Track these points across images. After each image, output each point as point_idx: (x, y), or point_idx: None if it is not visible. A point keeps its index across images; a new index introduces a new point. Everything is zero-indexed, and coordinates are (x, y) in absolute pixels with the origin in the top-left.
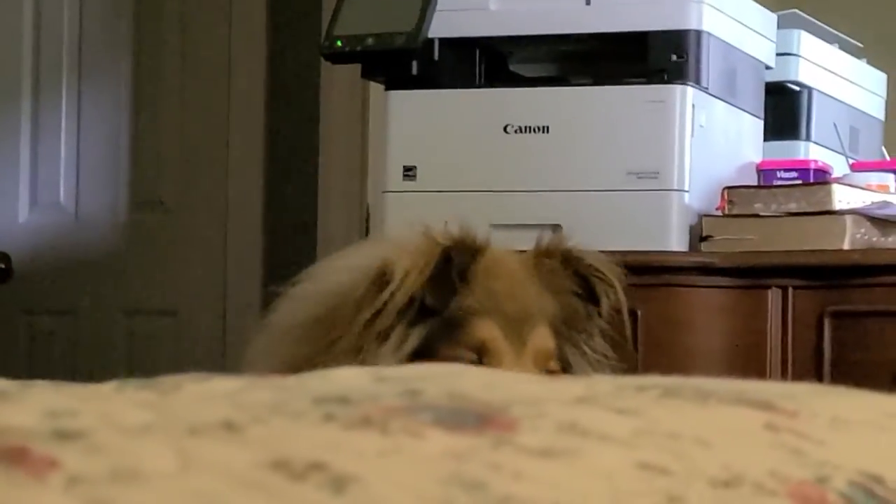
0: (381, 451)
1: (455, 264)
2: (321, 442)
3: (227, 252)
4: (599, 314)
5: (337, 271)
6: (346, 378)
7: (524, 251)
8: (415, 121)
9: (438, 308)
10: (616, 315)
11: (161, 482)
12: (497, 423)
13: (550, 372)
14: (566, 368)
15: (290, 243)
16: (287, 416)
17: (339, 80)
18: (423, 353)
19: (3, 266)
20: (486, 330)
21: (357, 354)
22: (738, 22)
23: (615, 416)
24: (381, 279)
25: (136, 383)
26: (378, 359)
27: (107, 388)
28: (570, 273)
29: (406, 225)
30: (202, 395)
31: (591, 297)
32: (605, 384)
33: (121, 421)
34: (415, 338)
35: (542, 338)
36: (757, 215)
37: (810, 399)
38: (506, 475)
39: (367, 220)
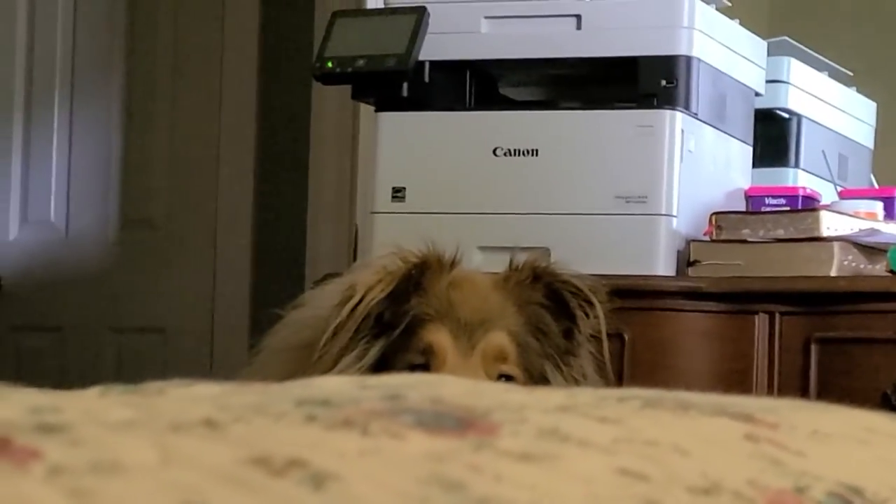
0: (361, 450)
1: (413, 277)
2: (302, 441)
3: (216, 271)
4: (579, 331)
5: (327, 296)
6: (330, 384)
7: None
8: (404, 142)
9: (395, 320)
10: (595, 335)
11: (141, 474)
12: (478, 427)
13: (504, 377)
14: (536, 380)
15: (279, 263)
16: (269, 416)
17: (329, 100)
18: (382, 365)
19: None
20: (434, 333)
21: (328, 371)
22: (729, 48)
23: (596, 424)
24: (347, 297)
25: (120, 388)
26: (340, 372)
27: (91, 392)
28: (540, 287)
29: (393, 246)
30: (185, 397)
31: (567, 313)
32: (587, 395)
33: (103, 417)
34: (375, 350)
35: (494, 342)
36: (745, 241)
37: (791, 413)
38: (486, 477)
39: (356, 241)
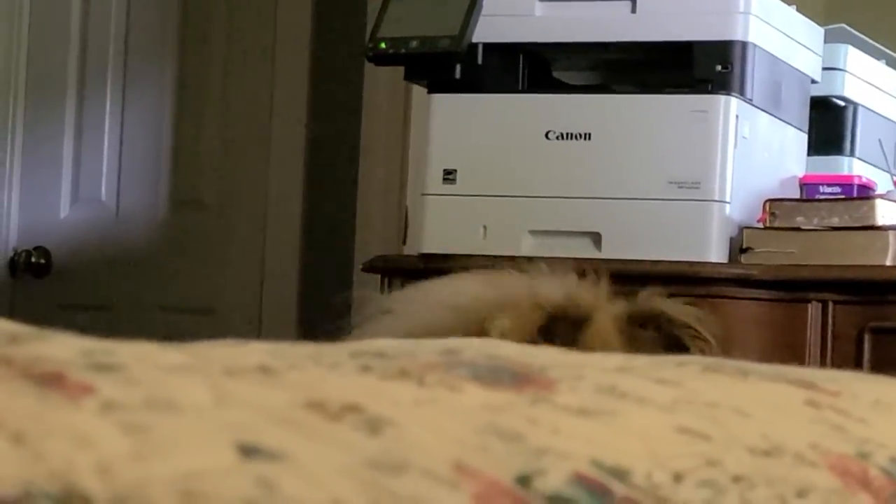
0: (417, 400)
1: (558, 337)
2: (357, 388)
3: (265, 252)
4: None
5: (429, 306)
6: (386, 341)
7: (617, 306)
8: (456, 124)
9: None
10: None
11: (195, 412)
12: (535, 382)
13: None
14: None
15: (328, 244)
16: (323, 365)
17: (382, 81)
18: None
19: (42, 261)
20: None
21: None
22: (785, 34)
23: (654, 385)
24: (475, 333)
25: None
26: None
27: (146, 344)
28: (663, 337)
29: (448, 230)
30: (243, 348)
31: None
32: (645, 359)
33: (157, 360)
34: None
35: None
36: (798, 228)
37: (852, 382)
38: (543, 429)
39: (406, 222)
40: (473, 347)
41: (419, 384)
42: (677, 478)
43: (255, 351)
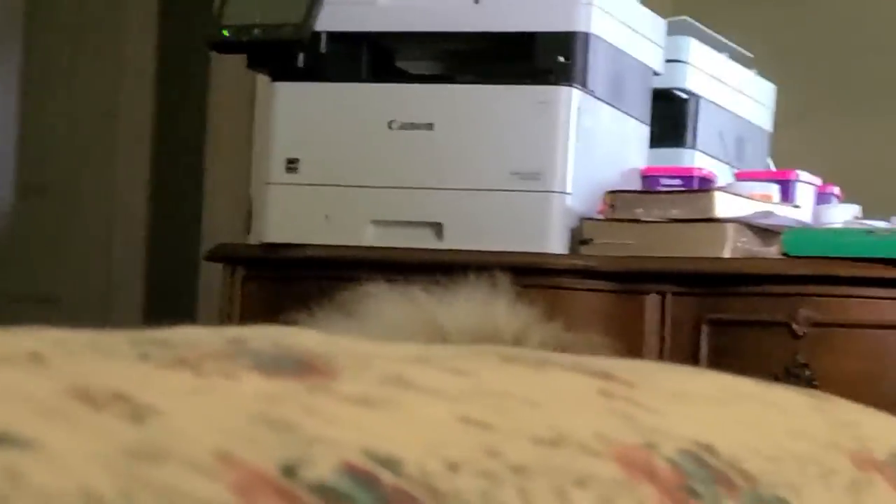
0: (191, 389)
1: None
2: (130, 377)
3: (112, 240)
4: None
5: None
6: (179, 330)
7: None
8: (299, 113)
9: None
10: None
11: None
12: (317, 371)
13: None
14: None
15: (175, 232)
16: (100, 352)
17: (228, 70)
18: None
19: None
20: None
21: None
22: (627, 26)
23: (447, 375)
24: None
25: None
26: None
27: None
28: None
29: (291, 219)
30: (27, 335)
31: None
32: (446, 349)
33: None
34: None
35: None
36: (638, 220)
37: (653, 373)
38: (318, 419)
39: (250, 211)
40: (265, 336)
41: (196, 373)
42: (453, 468)
43: (32, 338)
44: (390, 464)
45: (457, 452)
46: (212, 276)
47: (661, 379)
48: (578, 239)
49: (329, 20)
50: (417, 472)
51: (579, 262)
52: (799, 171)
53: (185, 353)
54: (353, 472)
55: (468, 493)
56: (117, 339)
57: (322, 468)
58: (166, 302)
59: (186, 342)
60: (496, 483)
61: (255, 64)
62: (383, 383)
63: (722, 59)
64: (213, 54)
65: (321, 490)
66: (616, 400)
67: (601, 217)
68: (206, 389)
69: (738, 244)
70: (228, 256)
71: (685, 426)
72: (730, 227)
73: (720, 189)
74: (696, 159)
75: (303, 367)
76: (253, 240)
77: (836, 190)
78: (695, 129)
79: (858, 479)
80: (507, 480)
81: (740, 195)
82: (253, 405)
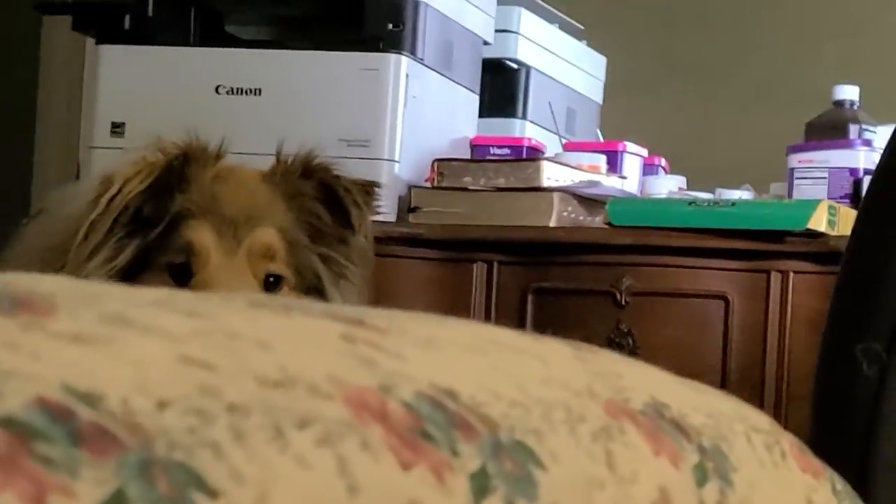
0: None
1: (176, 171)
2: None
3: None
4: (353, 230)
5: (82, 195)
6: None
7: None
8: (125, 77)
9: (156, 217)
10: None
11: None
12: (34, 309)
13: (272, 276)
14: (308, 279)
15: (3, 197)
16: None
17: (59, 32)
18: (140, 266)
19: None
20: (195, 230)
21: (78, 273)
22: None
23: (178, 317)
24: (103, 191)
25: None
26: (89, 273)
27: None
28: (312, 183)
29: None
30: None
31: (340, 209)
32: (190, 295)
33: None
34: (130, 250)
35: (261, 239)
36: (466, 189)
37: (412, 322)
38: (21, 355)
39: (78, 174)
40: None
41: None
42: (161, 405)
43: None
44: (90, 399)
45: (168, 391)
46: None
47: (413, 326)
48: (407, 207)
49: None
50: (120, 408)
51: (407, 230)
52: (626, 143)
53: None
54: (46, 406)
55: (175, 430)
56: None
57: (12, 402)
58: None
59: None
60: (207, 421)
61: (81, 26)
62: (101, 322)
63: (553, 30)
64: (46, 16)
65: (9, 423)
66: (358, 344)
67: (429, 185)
68: None
69: (564, 213)
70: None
71: (428, 371)
72: (556, 197)
73: (547, 159)
74: (526, 129)
75: (19, 305)
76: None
77: (663, 161)
78: (525, 99)
79: (609, 425)
80: (220, 418)
81: (568, 165)
82: None
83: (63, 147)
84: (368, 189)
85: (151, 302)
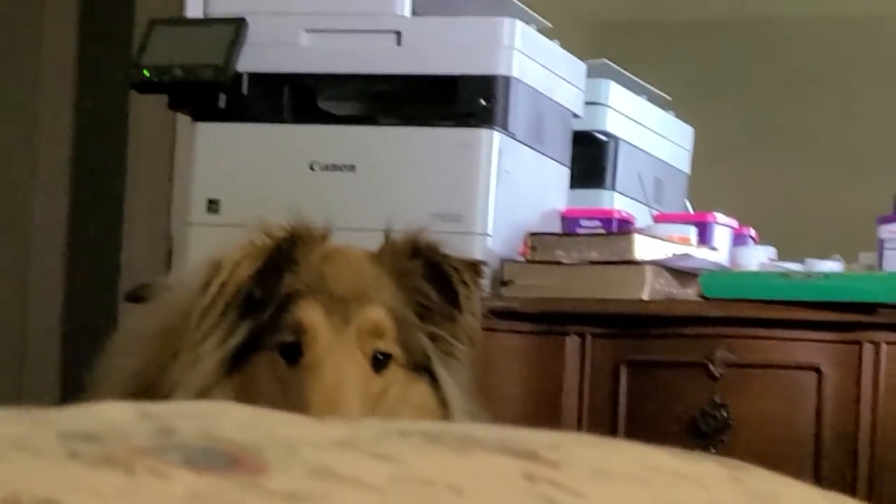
0: (120, 490)
1: (284, 253)
2: (59, 479)
3: (28, 280)
4: (461, 309)
5: (193, 278)
6: (105, 412)
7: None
8: (221, 154)
9: (266, 299)
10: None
11: None
12: (246, 466)
13: (381, 354)
14: (416, 357)
15: (93, 273)
16: (29, 451)
17: (148, 110)
18: (251, 347)
19: None
20: (305, 310)
21: (192, 356)
22: (548, 69)
23: (372, 462)
24: (213, 276)
25: None
26: (202, 355)
27: None
28: (419, 262)
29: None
30: None
31: (448, 288)
32: (368, 429)
33: None
34: (242, 331)
35: (370, 317)
36: (558, 262)
37: (574, 449)
38: None
39: (170, 251)
40: (193, 420)
41: (126, 472)
42: None
43: None
44: None
45: None
46: (131, 316)
47: (583, 456)
48: (499, 280)
49: (251, 61)
50: None
51: (500, 304)
52: (716, 214)
53: (114, 448)
54: None
55: None
56: (45, 432)
57: None
58: (84, 343)
59: (114, 434)
60: None
61: (177, 104)
62: (311, 477)
63: (641, 102)
64: (133, 94)
65: None
66: (540, 483)
67: (522, 259)
68: (136, 490)
69: (657, 286)
70: (148, 297)
71: None
72: (648, 270)
73: (639, 231)
74: (615, 201)
75: (232, 462)
76: (171, 280)
77: (752, 232)
78: (614, 170)
79: None
80: None
81: (659, 237)
82: None
83: (152, 222)
84: (476, 268)
85: (340, 443)
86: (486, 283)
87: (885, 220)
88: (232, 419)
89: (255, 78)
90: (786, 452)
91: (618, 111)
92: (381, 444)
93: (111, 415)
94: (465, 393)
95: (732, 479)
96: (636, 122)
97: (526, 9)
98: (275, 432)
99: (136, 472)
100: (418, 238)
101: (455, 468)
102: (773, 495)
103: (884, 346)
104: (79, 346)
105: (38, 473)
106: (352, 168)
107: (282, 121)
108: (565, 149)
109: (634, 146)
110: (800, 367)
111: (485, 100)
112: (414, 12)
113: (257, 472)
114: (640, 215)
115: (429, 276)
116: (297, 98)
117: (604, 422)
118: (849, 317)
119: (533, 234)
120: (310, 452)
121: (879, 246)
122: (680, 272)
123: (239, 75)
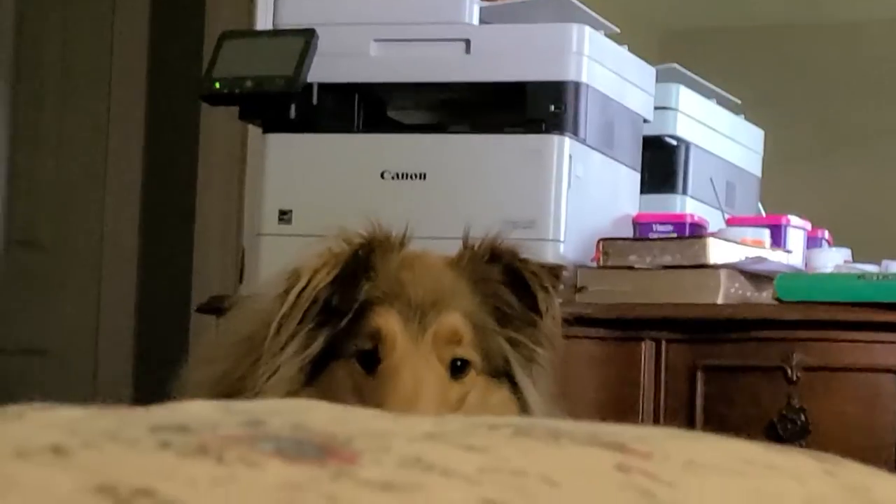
0: (214, 479)
1: (361, 260)
2: (153, 469)
3: (101, 293)
4: (541, 314)
5: (273, 286)
6: (192, 408)
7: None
8: (292, 164)
9: (344, 306)
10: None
11: None
12: (338, 455)
13: (459, 361)
14: (495, 363)
15: (165, 285)
16: (121, 442)
17: (218, 121)
18: (329, 354)
19: None
20: (383, 317)
21: (272, 364)
22: (617, 75)
23: (462, 453)
24: (292, 284)
25: None
26: (282, 364)
27: None
28: (498, 266)
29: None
30: (41, 421)
31: (528, 296)
32: (457, 422)
33: None
34: (321, 340)
35: (448, 323)
36: (632, 267)
37: (665, 442)
38: None
39: (242, 263)
40: (282, 416)
41: (218, 461)
42: None
43: (53, 426)
44: None
45: None
46: (203, 327)
47: (674, 448)
48: (573, 286)
49: (320, 71)
50: None
51: (574, 310)
52: (789, 216)
53: (206, 438)
54: None
55: None
56: (136, 424)
57: None
58: (156, 355)
59: (205, 426)
60: None
61: (248, 115)
62: (404, 467)
63: (710, 105)
64: (203, 106)
65: None
66: (633, 474)
67: (595, 265)
68: (230, 479)
69: (732, 290)
70: (220, 308)
71: (702, 499)
72: (723, 274)
73: (712, 235)
74: (687, 205)
75: (324, 452)
76: (245, 291)
77: (826, 234)
78: (685, 175)
79: None
80: None
81: (732, 241)
82: (277, 495)
83: (224, 234)
84: (555, 272)
85: (431, 436)
86: (565, 287)
87: None
88: (320, 414)
89: (325, 88)
90: (865, 458)
91: (688, 115)
92: (470, 436)
93: (198, 410)
94: (545, 398)
95: (826, 472)
96: (706, 125)
97: (594, 14)
98: (365, 425)
99: (229, 462)
100: (497, 243)
101: (547, 459)
102: (866, 488)
103: None
104: (151, 358)
105: (131, 463)
106: (423, 176)
107: (352, 130)
108: (636, 153)
109: (705, 150)
110: (878, 370)
111: (555, 106)
112: (482, 20)
113: (350, 462)
114: (713, 219)
115: (508, 281)
116: (367, 107)
117: (680, 426)
118: None
119: (605, 240)
120: (400, 444)
121: None
122: (754, 275)
123: (309, 86)
